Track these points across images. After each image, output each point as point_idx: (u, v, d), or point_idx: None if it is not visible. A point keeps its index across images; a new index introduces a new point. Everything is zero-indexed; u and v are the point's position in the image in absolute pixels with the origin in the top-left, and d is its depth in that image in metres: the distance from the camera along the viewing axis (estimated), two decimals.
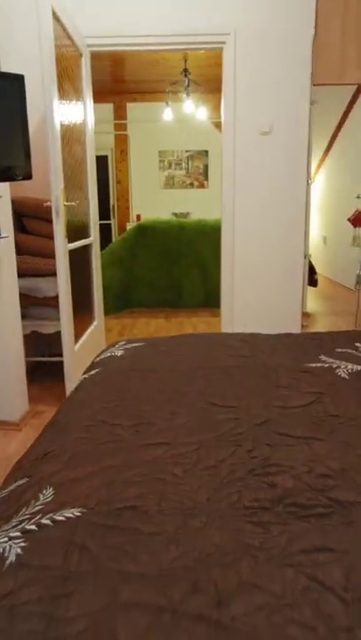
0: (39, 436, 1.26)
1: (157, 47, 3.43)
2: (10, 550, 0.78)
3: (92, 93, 3.41)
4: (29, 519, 0.86)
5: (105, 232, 6.06)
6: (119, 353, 1.72)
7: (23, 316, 3.01)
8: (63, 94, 2.79)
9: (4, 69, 2.82)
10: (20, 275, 3.02)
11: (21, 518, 0.87)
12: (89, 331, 3.50)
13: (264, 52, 3.39)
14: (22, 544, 0.79)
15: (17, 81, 2.23)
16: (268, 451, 1.03)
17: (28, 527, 0.84)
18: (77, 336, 3.16)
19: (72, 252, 3.01)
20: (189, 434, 1.12)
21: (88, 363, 3.47)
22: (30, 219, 3.44)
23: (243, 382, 1.43)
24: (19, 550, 0.78)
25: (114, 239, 7.07)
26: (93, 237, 3.60)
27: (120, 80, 6.14)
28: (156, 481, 0.93)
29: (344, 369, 1.55)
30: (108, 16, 3.28)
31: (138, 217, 7.15)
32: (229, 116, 3.48)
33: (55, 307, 3.09)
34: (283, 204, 3.63)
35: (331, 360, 1.62)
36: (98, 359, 1.75)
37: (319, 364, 1.58)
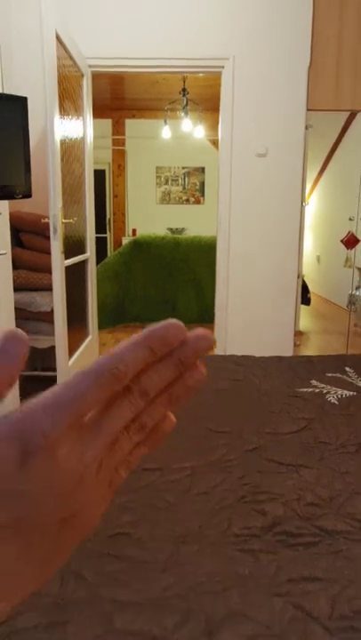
0: None
1: (158, 69, 3.50)
2: None
3: (92, 112, 3.46)
4: None
5: (101, 246, 6.10)
6: None
7: None
8: (64, 113, 2.84)
9: (6, 88, 2.88)
10: (16, 289, 3.04)
11: None
12: (83, 346, 3.52)
13: (262, 78, 3.47)
14: None
15: (20, 102, 2.29)
16: (258, 478, 1.06)
17: None
18: (71, 351, 3.18)
19: (68, 267, 3.04)
20: (183, 459, 1.14)
21: None
22: (27, 233, 3.47)
23: (236, 406, 1.46)
24: None
25: (109, 253, 7.12)
26: (90, 253, 3.63)
27: (120, 97, 6.23)
28: (149, 507, 0.95)
29: (334, 394, 1.58)
30: (111, 38, 3.35)
31: (134, 231, 7.20)
32: (226, 137, 3.55)
33: (50, 321, 3.10)
34: (277, 224, 3.69)
35: (321, 385, 1.66)
36: None
37: (310, 389, 1.62)
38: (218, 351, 3.84)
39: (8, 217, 2.64)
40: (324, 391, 1.60)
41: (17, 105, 2.27)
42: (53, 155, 2.66)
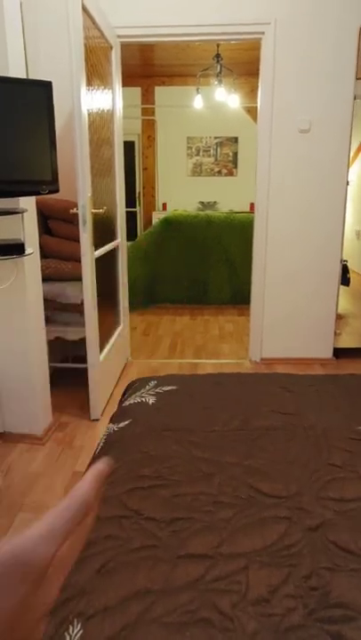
0: None
1: (190, 38, 3.19)
2: None
3: (121, 87, 3.21)
4: None
5: (130, 220, 5.88)
6: (150, 400, 1.59)
7: (47, 321, 2.89)
8: (92, 90, 2.61)
9: (31, 70, 2.65)
10: (45, 279, 2.89)
11: None
12: (114, 336, 3.39)
13: (306, 44, 3.14)
14: None
15: (45, 88, 2.07)
16: (328, 578, 0.89)
17: None
18: (102, 342, 3.05)
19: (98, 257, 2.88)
20: (234, 541, 0.98)
21: (113, 370, 3.36)
22: (56, 221, 3.31)
23: (289, 454, 1.28)
24: None
25: (139, 228, 6.89)
26: (120, 239, 3.45)
27: (149, 64, 5.87)
28: (200, 624, 0.80)
29: None
30: (140, 6, 3.06)
31: (164, 206, 6.94)
32: (266, 111, 3.25)
33: (80, 312, 2.97)
34: (319, 205, 3.42)
35: None
36: (127, 404, 1.62)
37: None
38: (253, 343, 3.65)
39: (35, 214, 2.46)
40: None
41: (42, 91, 2.06)
42: (81, 141, 2.46)
